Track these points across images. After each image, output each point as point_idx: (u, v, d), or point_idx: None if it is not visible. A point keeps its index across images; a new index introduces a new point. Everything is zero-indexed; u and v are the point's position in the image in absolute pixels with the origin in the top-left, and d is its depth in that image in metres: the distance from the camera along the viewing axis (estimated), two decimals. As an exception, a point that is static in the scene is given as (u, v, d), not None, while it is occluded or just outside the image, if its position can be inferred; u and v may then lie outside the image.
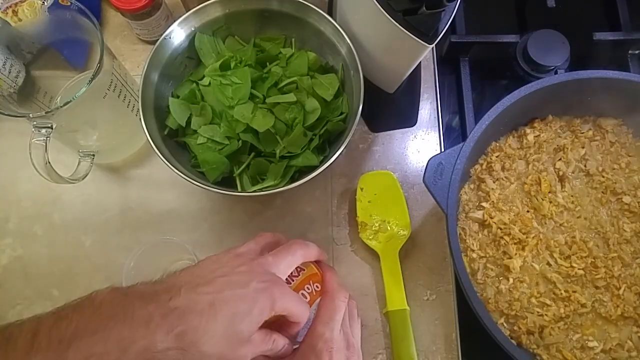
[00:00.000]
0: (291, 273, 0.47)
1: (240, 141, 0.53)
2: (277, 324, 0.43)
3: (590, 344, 0.47)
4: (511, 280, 0.49)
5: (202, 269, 0.39)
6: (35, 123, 0.46)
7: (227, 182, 0.55)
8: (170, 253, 0.54)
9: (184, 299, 0.35)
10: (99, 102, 0.50)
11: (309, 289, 0.47)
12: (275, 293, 0.39)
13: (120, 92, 0.53)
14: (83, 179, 0.54)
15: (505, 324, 0.49)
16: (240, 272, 0.39)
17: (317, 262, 0.49)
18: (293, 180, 0.53)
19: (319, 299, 0.47)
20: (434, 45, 0.45)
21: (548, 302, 0.49)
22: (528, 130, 0.55)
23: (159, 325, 0.33)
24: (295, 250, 0.44)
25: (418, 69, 0.60)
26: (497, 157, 0.54)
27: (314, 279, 0.47)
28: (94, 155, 0.56)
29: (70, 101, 0.45)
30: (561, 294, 0.49)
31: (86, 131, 0.54)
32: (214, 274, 0.38)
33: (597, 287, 0.50)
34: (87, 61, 0.59)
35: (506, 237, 0.50)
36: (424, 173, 0.48)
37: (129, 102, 0.55)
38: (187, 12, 0.54)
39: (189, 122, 0.54)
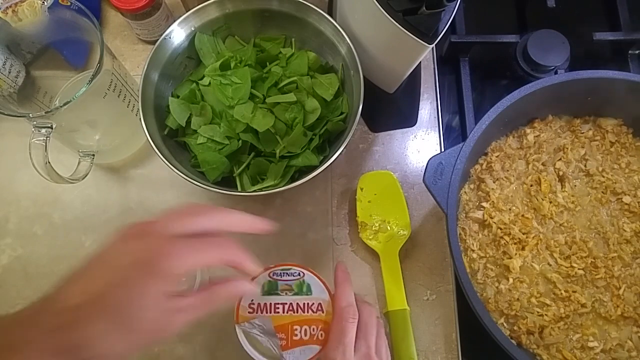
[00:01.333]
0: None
1: (240, 141, 0.53)
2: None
3: (591, 344, 0.48)
4: (511, 280, 0.49)
5: (88, 274, 0.35)
6: (35, 123, 0.46)
7: (227, 182, 0.55)
8: None
9: (68, 316, 0.32)
10: (99, 102, 0.50)
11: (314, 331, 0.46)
12: (161, 265, 0.34)
13: (120, 92, 0.53)
14: (83, 179, 0.54)
15: (505, 324, 0.49)
16: (121, 268, 0.34)
17: (334, 289, 0.47)
18: (293, 180, 0.53)
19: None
20: (434, 45, 0.45)
21: (548, 302, 0.49)
22: (528, 130, 0.55)
23: (47, 349, 0.31)
24: (202, 212, 0.38)
25: (418, 69, 0.60)
26: (497, 157, 0.54)
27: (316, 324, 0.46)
28: (94, 155, 0.56)
29: (70, 101, 0.45)
30: (561, 294, 0.49)
31: (86, 131, 0.54)
32: (98, 278, 0.35)
33: (597, 287, 0.50)
34: (87, 61, 0.59)
35: (506, 237, 0.50)
36: (424, 173, 0.48)
37: (129, 102, 0.55)
38: (187, 12, 0.54)
39: (189, 122, 0.54)
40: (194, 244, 0.36)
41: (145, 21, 0.62)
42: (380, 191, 0.58)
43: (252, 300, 0.48)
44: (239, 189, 0.53)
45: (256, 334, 0.46)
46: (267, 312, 0.47)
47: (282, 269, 0.47)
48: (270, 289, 0.48)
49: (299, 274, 0.47)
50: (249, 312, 0.47)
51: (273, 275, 0.48)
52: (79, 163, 0.55)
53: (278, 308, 0.47)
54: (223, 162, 0.52)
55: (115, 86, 0.51)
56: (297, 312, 0.47)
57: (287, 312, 0.47)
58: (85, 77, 0.57)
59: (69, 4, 0.49)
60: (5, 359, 0.30)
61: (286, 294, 0.47)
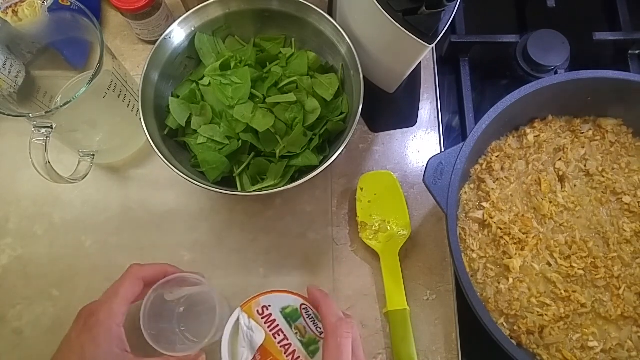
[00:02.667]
0: None
1: (240, 141, 0.53)
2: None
3: (591, 344, 0.48)
4: (511, 280, 0.49)
5: None
6: (35, 123, 0.46)
7: (227, 182, 0.55)
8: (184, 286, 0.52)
9: None
10: (99, 102, 0.50)
11: None
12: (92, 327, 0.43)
13: (120, 92, 0.53)
14: (83, 178, 0.54)
15: (505, 324, 0.49)
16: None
17: (308, 300, 0.45)
18: (293, 180, 0.53)
19: None
20: (434, 45, 0.45)
21: (548, 302, 0.49)
22: (528, 130, 0.55)
23: None
24: (121, 284, 0.46)
25: (418, 69, 0.60)
26: (497, 157, 0.54)
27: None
28: (94, 155, 0.56)
29: (70, 101, 0.45)
30: (561, 294, 0.49)
31: (86, 131, 0.54)
32: None
33: (597, 287, 0.50)
34: (87, 61, 0.59)
35: (506, 237, 0.50)
36: (424, 173, 0.48)
37: (129, 102, 0.55)
38: (187, 12, 0.54)
39: (189, 122, 0.54)
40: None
41: (145, 21, 0.62)
42: (380, 191, 0.58)
43: (270, 305, 0.44)
44: (239, 189, 0.53)
45: (243, 333, 0.43)
46: (268, 328, 0.44)
47: (315, 314, 0.44)
48: (290, 316, 0.44)
49: (322, 335, 0.43)
50: (257, 311, 0.44)
51: (304, 309, 0.45)
52: (79, 163, 0.55)
53: (278, 335, 0.43)
54: (223, 162, 0.52)
55: (115, 86, 0.51)
56: (287, 356, 0.43)
57: (280, 346, 0.43)
58: (85, 77, 0.57)
59: (69, 4, 0.49)
60: None
61: (296, 334, 0.44)
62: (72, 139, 0.55)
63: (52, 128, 0.47)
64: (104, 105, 0.51)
